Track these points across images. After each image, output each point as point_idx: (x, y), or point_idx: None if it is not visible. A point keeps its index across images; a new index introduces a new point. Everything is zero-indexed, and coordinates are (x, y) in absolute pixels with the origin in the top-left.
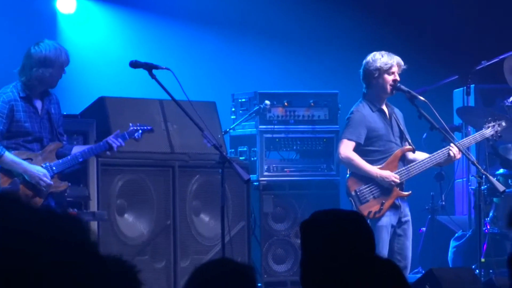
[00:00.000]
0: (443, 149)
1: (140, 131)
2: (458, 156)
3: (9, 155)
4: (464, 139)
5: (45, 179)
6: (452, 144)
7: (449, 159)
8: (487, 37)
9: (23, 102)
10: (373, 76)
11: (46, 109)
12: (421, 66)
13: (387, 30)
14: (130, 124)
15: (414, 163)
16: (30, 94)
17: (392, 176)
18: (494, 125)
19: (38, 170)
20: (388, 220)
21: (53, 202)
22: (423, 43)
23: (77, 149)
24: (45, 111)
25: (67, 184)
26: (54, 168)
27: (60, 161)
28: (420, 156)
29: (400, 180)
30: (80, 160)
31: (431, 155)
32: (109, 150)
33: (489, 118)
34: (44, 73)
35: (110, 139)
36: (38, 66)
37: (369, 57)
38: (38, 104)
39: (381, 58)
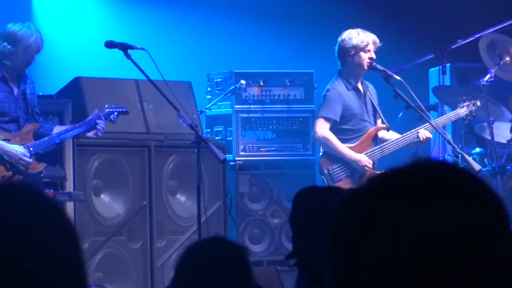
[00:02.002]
0: (413, 130)
1: (115, 113)
2: (424, 140)
3: None
4: (439, 118)
5: (24, 158)
6: (420, 130)
7: (418, 142)
8: (462, 15)
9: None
10: (349, 53)
11: (22, 89)
12: (396, 45)
13: (363, 8)
14: (106, 106)
15: (388, 142)
16: (6, 75)
17: (365, 161)
18: (468, 105)
19: (17, 149)
20: None
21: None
22: (398, 21)
23: (57, 129)
24: (20, 92)
25: (44, 165)
26: (31, 149)
27: (37, 142)
28: (392, 136)
29: (372, 159)
30: (57, 141)
31: (402, 135)
32: (92, 129)
33: (464, 98)
34: (5, 48)
35: (97, 120)
36: (3, 39)
37: (345, 35)
38: (14, 84)
39: (357, 36)
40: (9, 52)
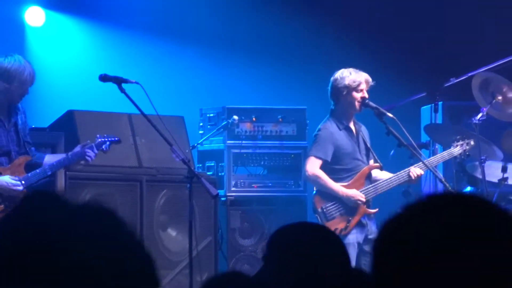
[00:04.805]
0: (407, 169)
1: (107, 143)
2: (416, 179)
3: None
4: (432, 157)
5: (16, 188)
6: (411, 168)
7: (410, 180)
8: (455, 53)
9: None
10: (342, 93)
11: (13, 121)
12: (389, 83)
13: (355, 46)
14: (98, 135)
15: (381, 181)
16: None
17: (358, 195)
18: (462, 144)
19: (7, 180)
20: (354, 237)
21: None
22: (391, 59)
23: (49, 158)
24: (12, 124)
25: None
26: (23, 182)
27: (29, 174)
28: (385, 175)
29: (366, 198)
30: (49, 173)
31: (396, 174)
32: (82, 159)
33: (458, 137)
34: (1, 86)
35: (86, 149)
36: None
37: (337, 74)
38: (5, 117)
39: (349, 76)
40: (4, 88)
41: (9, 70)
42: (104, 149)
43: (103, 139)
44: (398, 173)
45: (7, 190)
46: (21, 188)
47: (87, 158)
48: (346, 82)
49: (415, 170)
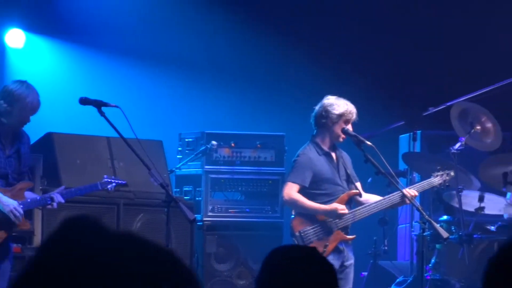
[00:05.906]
0: (394, 193)
1: (114, 184)
2: (411, 199)
3: None
4: (412, 186)
5: (18, 208)
6: (405, 189)
7: (401, 203)
8: (433, 83)
9: None
10: (331, 120)
11: (16, 147)
12: (367, 111)
13: (335, 74)
14: (105, 176)
15: (360, 208)
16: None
17: (338, 207)
18: (442, 174)
19: (10, 202)
20: None
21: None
22: (369, 88)
23: (28, 195)
24: (14, 149)
25: (30, 223)
26: (22, 206)
27: (29, 200)
28: (368, 198)
29: (345, 224)
30: (49, 202)
31: (379, 200)
32: (50, 204)
33: (438, 167)
34: (1, 107)
35: (54, 193)
36: (0, 97)
37: (333, 100)
38: (7, 142)
39: (346, 106)
40: (5, 110)
41: (13, 93)
42: (110, 189)
43: (109, 180)
44: (383, 198)
45: (8, 211)
46: (22, 212)
47: (55, 200)
48: (342, 110)
49: (410, 191)
